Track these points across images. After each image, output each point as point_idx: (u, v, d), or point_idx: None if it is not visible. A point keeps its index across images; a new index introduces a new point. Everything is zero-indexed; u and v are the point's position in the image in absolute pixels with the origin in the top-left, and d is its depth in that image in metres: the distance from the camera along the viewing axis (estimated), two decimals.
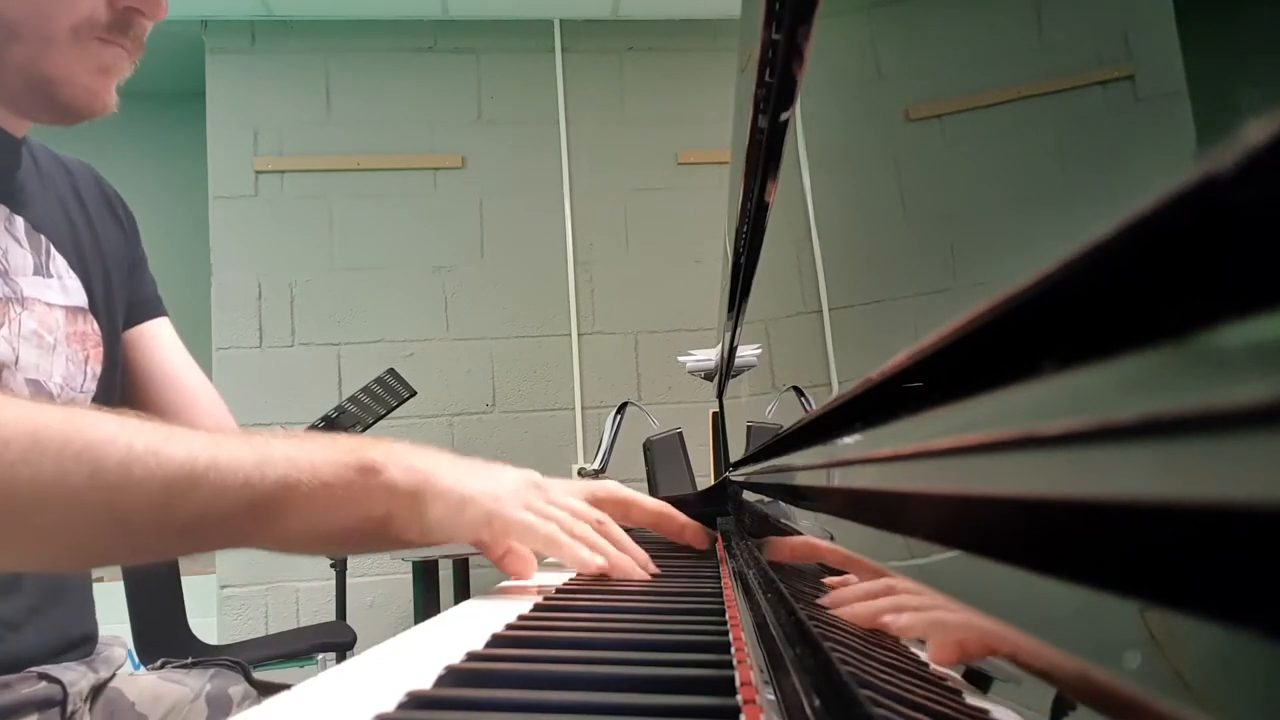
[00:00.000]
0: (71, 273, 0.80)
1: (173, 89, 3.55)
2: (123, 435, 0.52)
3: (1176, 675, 0.12)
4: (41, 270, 0.77)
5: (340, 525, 0.60)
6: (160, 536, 0.56)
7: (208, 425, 0.88)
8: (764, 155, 0.65)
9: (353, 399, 2.63)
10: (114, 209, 0.90)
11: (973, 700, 0.19)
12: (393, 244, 3.27)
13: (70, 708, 0.72)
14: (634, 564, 0.65)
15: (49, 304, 0.77)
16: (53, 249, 0.79)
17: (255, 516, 0.57)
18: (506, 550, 0.68)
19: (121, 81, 0.73)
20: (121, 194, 0.93)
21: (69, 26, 0.68)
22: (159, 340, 0.91)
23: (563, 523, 0.65)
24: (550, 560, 0.72)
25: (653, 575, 0.67)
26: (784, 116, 0.58)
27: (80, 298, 0.81)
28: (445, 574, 2.56)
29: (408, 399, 2.80)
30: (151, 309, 0.92)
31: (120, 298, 0.86)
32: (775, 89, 0.56)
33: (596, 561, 0.63)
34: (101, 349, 0.82)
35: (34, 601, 0.74)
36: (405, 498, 0.61)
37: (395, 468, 0.61)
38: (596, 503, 0.71)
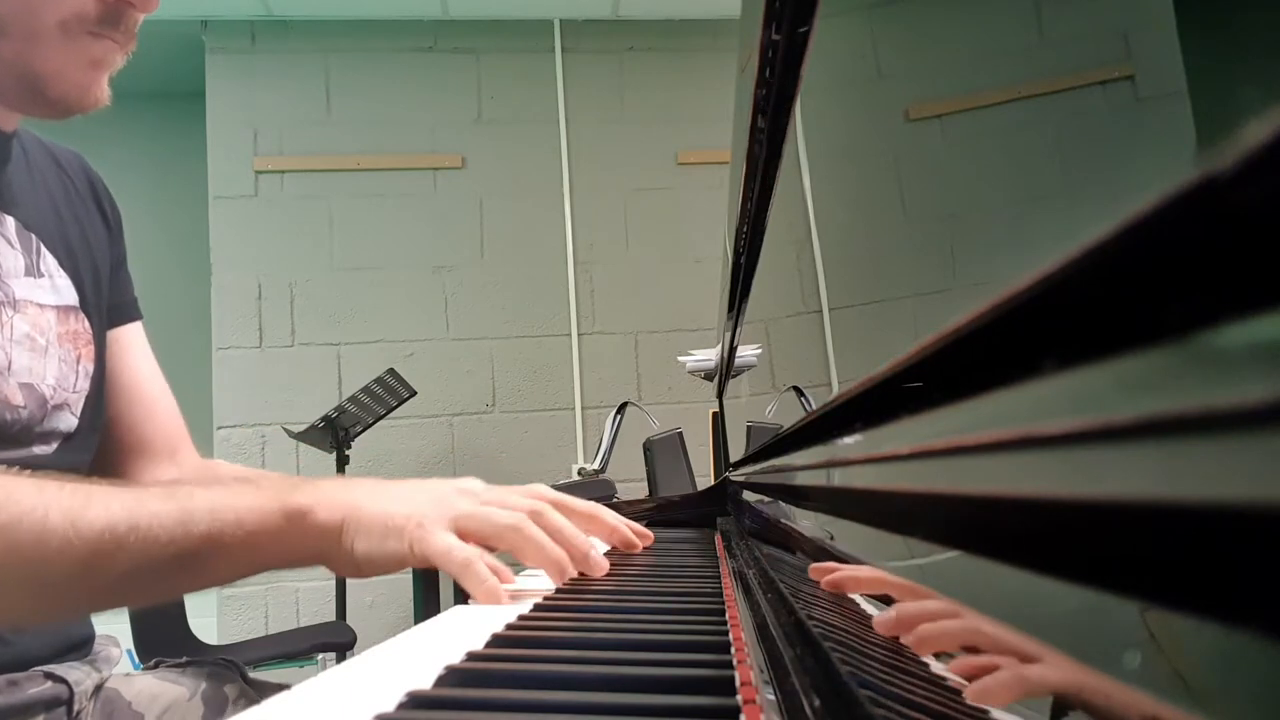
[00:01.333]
0: (61, 271, 0.80)
1: (173, 89, 3.55)
2: (39, 508, 0.53)
3: (1176, 675, 0.12)
4: (32, 270, 0.77)
5: (272, 566, 0.61)
6: (86, 598, 0.57)
7: (161, 438, 0.90)
8: (764, 155, 0.65)
9: (353, 399, 2.63)
10: (100, 203, 0.89)
11: (973, 700, 0.19)
12: (393, 244, 3.27)
13: (76, 706, 0.72)
14: (565, 561, 0.63)
15: (40, 305, 0.77)
16: (43, 248, 0.78)
17: (183, 570, 0.57)
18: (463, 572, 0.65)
19: (113, 74, 0.72)
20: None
21: (57, 21, 0.67)
22: (131, 348, 0.90)
23: (490, 530, 0.62)
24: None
25: (606, 572, 0.64)
26: (784, 117, 0.58)
27: (71, 296, 0.80)
28: (445, 574, 2.55)
29: (408, 399, 2.80)
30: (128, 312, 0.91)
31: (105, 295, 0.86)
32: (775, 89, 0.56)
33: (498, 593, 0.59)
34: (93, 347, 0.82)
35: None
36: (332, 535, 0.61)
37: (322, 508, 0.61)
38: None
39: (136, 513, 0.55)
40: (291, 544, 0.61)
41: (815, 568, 0.38)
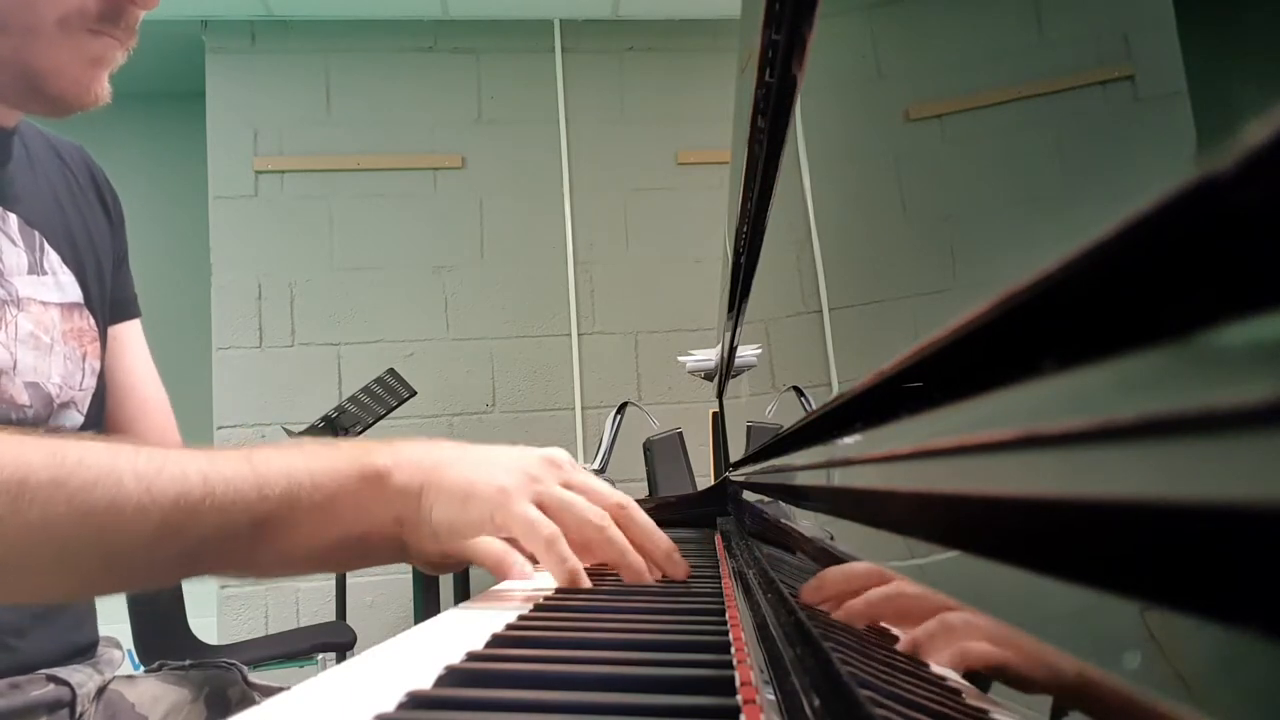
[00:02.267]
0: (65, 268, 0.79)
1: (173, 89, 3.55)
2: (113, 472, 0.51)
3: (1176, 675, 0.12)
4: (36, 268, 0.76)
5: (348, 535, 0.58)
6: (157, 568, 0.55)
7: (151, 439, 0.87)
8: (764, 155, 0.65)
9: (353, 399, 2.63)
10: (103, 197, 0.88)
11: (973, 700, 0.19)
12: (393, 244, 3.27)
13: (79, 709, 0.72)
14: (643, 567, 0.60)
15: (44, 303, 0.76)
16: (46, 244, 0.78)
17: (257, 539, 0.55)
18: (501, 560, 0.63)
19: (114, 70, 0.71)
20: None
21: (56, 18, 0.66)
22: (129, 345, 0.89)
23: (572, 520, 0.59)
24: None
25: (670, 578, 0.62)
26: (784, 117, 0.58)
27: (75, 293, 0.79)
28: (445, 574, 2.55)
29: (408, 399, 2.80)
30: (128, 310, 0.90)
31: (108, 291, 0.85)
32: (775, 89, 0.56)
33: (580, 576, 0.57)
34: (98, 344, 0.81)
35: (37, 608, 0.74)
36: (412, 499, 0.58)
37: (401, 471, 0.58)
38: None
39: (212, 477, 0.53)
40: (369, 508, 0.57)
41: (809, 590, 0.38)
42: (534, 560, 0.62)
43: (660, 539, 0.63)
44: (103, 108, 0.71)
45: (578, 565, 0.57)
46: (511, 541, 0.61)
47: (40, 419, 0.74)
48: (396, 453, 0.59)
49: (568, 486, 0.62)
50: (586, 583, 0.57)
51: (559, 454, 0.65)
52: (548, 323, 3.34)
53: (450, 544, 0.60)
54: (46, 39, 0.66)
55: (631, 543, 0.63)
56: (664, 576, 0.62)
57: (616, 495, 0.64)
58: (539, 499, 0.60)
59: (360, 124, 3.30)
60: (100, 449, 0.52)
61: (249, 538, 0.55)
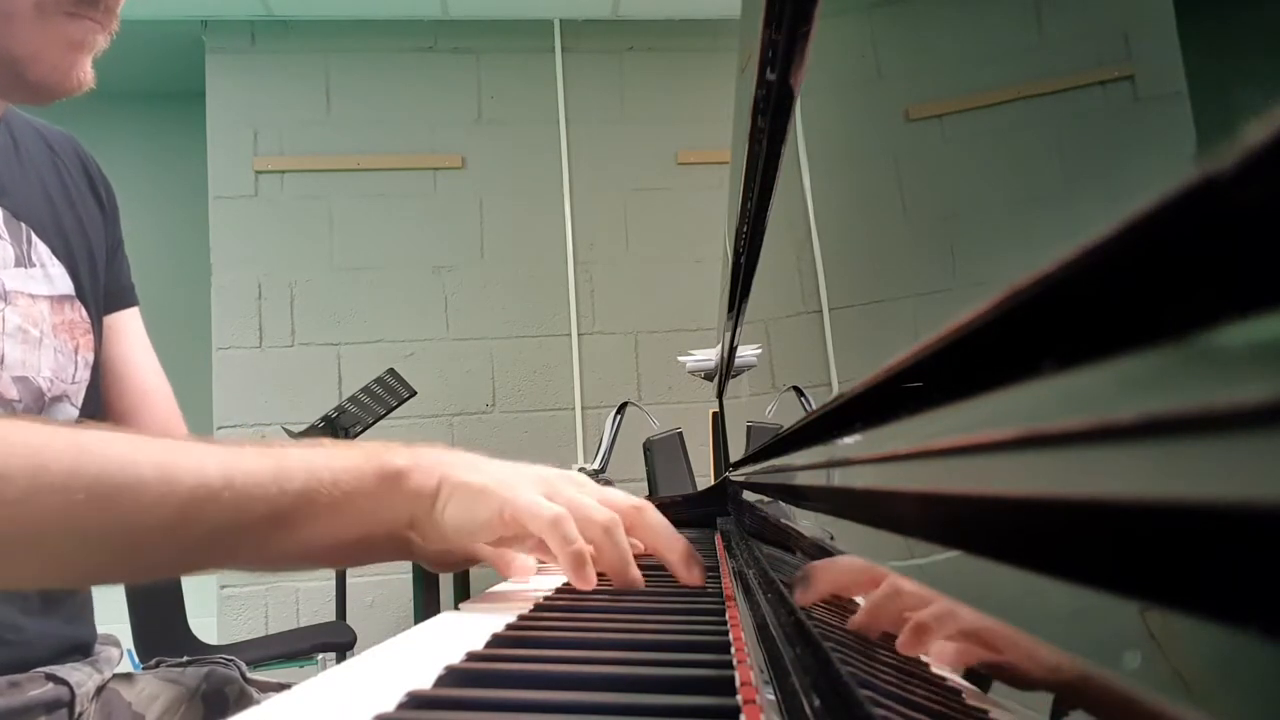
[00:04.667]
0: (55, 260, 0.78)
1: (173, 89, 3.55)
2: (133, 461, 0.50)
3: (1176, 675, 0.12)
4: (23, 261, 0.75)
5: (362, 534, 0.58)
6: (173, 557, 0.55)
7: (154, 428, 0.87)
8: (764, 155, 0.65)
9: (353, 399, 2.63)
10: (95, 187, 0.87)
11: (972, 700, 0.19)
12: (393, 244, 3.27)
13: (78, 708, 0.72)
14: (640, 582, 0.61)
15: (32, 296, 0.75)
16: (34, 236, 0.76)
17: (273, 531, 0.55)
18: (510, 558, 0.63)
19: (97, 55, 0.69)
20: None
21: (33, 2, 0.64)
22: (126, 334, 0.88)
23: (579, 517, 0.59)
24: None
25: (685, 584, 0.62)
26: (784, 117, 0.58)
27: (66, 285, 0.78)
28: (446, 573, 2.55)
29: (408, 399, 2.80)
30: (125, 298, 0.89)
31: (102, 281, 0.84)
32: (775, 89, 0.56)
33: (584, 559, 0.57)
34: (91, 336, 0.80)
35: (35, 603, 0.74)
36: (426, 499, 0.59)
37: (419, 471, 0.59)
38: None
39: (231, 468, 0.53)
40: (386, 507, 0.58)
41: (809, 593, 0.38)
42: (542, 560, 0.62)
43: (676, 542, 0.63)
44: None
45: (584, 548, 0.57)
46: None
47: (32, 413, 0.73)
48: (415, 455, 0.60)
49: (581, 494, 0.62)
50: (593, 570, 0.57)
51: (578, 475, 0.65)
52: (548, 323, 3.34)
53: (459, 543, 0.60)
54: (24, 24, 0.65)
55: (647, 545, 0.63)
56: (680, 583, 0.62)
57: (633, 500, 0.63)
58: (550, 497, 0.60)
59: (360, 124, 3.30)
60: (120, 439, 0.52)
61: (265, 530, 0.55)
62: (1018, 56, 0.20)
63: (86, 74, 0.69)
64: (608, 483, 2.28)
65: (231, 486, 0.53)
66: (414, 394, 2.80)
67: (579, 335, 3.35)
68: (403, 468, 0.58)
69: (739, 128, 0.69)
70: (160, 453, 0.52)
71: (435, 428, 3.21)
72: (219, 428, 3.12)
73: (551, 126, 3.41)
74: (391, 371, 2.69)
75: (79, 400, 0.78)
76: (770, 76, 0.55)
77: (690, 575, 0.63)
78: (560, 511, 0.58)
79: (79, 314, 0.79)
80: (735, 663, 0.35)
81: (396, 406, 2.80)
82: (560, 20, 3.44)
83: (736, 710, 0.30)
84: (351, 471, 0.57)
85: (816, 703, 0.29)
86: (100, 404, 0.82)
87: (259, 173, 3.24)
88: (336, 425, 2.64)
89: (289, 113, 3.27)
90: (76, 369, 0.78)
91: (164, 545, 0.53)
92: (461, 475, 0.59)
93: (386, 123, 3.31)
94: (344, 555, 0.62)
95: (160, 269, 3.40)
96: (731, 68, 0.69)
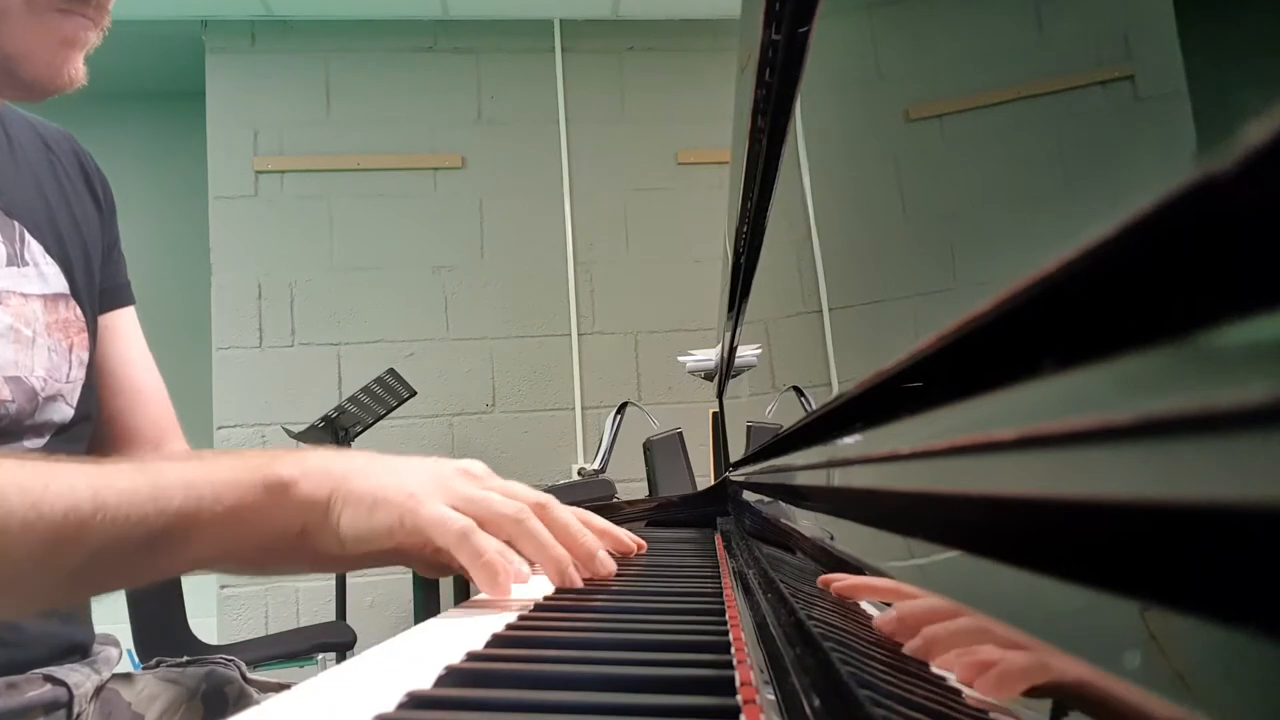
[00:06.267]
0: (49, 258, 0.77)
1: (173, 89, 3.55)
2: None
3: (1176, 675, 0.12)
4: (16, 259, 0.74)
5: (252, 545, 0.57)
6: (51, 586, 0.54)
7: (146, 430, 0.86)
8: (764, 155, 0.65)
9: (353, 399, 2.63)
10: (91, 184, 0.86)
11: (972, 700, 0.19)
12: (393, 244, 3.27)
13: (76, 709, 0.72)
14: (566, 561, 0.58)
15: (25, 295, 0.74)
16: (27, 235, 0.76)
17: (154, 552, 0.54)
18: (448, 556, 0.59)
19: (89, 52, 0.69)
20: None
21: None
22: (121, 333, 0.87)
23: (486, 515, 0.57)
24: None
25: (606, 575, 0.60)
26: (784, 117, 0.58)
27: (60, 284, 0.78)
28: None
29: (408, 399, 2.80)
30: (120, 297, 0.88)
31: (97, 280, 0.83)
32: (775, 89, 0.56)
33: (499, 569, 0.54)
34: (86, 334, 0.80)
35: None
36: (319, 508, 0.57)
37: (307, 480, 0.57)
38: None
39: (103, 491, 0.52)
40: (274, 519, 0.56)
41: (825, 579, 0.38)
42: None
43: (584, 538, 0.60)
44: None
45: (497, 557, 0.55)
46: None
47: (24, 413, 0.73)
48: (303, 462, 0.58)
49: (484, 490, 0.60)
50: (510, 578, 0.55)
51: (475, 464, 0.63)
52: (548, 323, 3.34)
53: (356, 551, 0.58)
54: (15, 20, 0.64)
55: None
56: (589, 577, 0.60)
57: (537, 494, 0.61)
58: (451, 501, 0.58)
59: (360, 124, 3.30)
60: None
61: (145, 551, 0.54)
62: (1018, 56, 0.20)
63: (78, 71, 0.68)
64: (608, 483, 2.27)
65: (104, 509, 0.51)
66: (414, 394, 2.80)
67: (579, 335, 3.35)
68: (289, 477, 0.57)
69: (739, 128, 0.69)
70: (26, 478, 0.51)
71: (435, 428, 3.21)
72: (219, 428, 3.12)
73: (551, 126, 3.41)
74: (391, 371, 2.69)
75: (74, 400, 0.78)
76: (770, 77, 0.55)
77: (599, 569, 0.60)
78: (466, 524, 0.56)
79: (73, 313, 0.79)
80: (735, 663, 0.35)
81: (396, 406, 2.80)
82: (560, 20, 3.44)
83: (736, 710, 0.30)
84: (233, 485, 0.56)
85: (816, 703, 0.29)
86: (95, 404, 0.82)
87: (259, 173, 3.24)
88: (336, 425, 2.64)
89: (289, 113, 3.27)
90: (71, 368, 0.78)
91: (37, 576, 0.52)
92: (355, 483, 0.58)
93: (386, 123, 3.31)
94: (247, 565, 0.62)
95: (160, 269, 3.40)
96: (731, 68, 0.69)
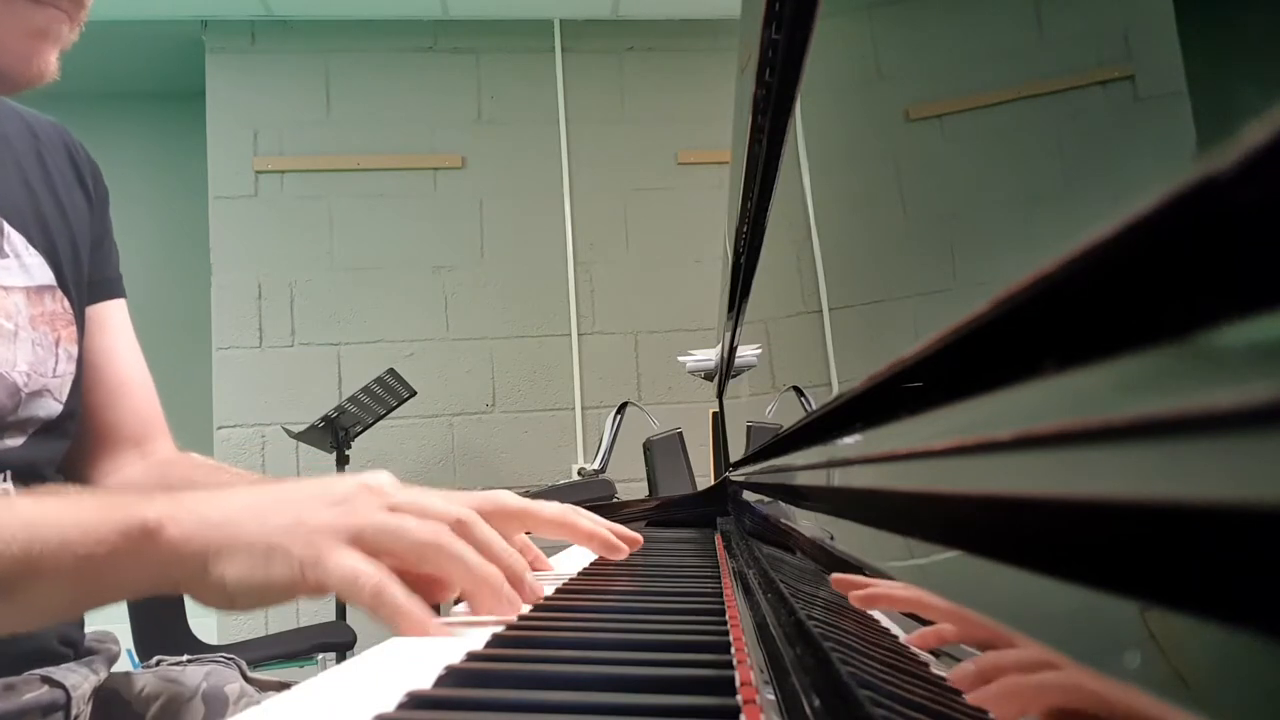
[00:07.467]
0: (32, 249, 0.75)
1: (173, 89, 3.55)
2: None
3: (1176, 675, 0.12)
4: None
5: (114, 596, 0.51)
6: None
7: (129, 427, 0.83)
8: (764, 155, 0.65)
9: (353, 399, 2.63)
10: (82, 175, 0.84)
11: (973, 700, 0.19)
12: (393, 244, 3.27)
13: (74, 710, 0.72)
14: (499, 581, 0.51)
15: (6, 288, 0.72)
16: (7, 226, 0.74)
17: None
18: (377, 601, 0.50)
19: (65, 47, 0.67)
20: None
21: None
22: (109, 325, 0.84)
23: (403, 547, 0.50)
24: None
25: (533, 600, 0.53)
26: (784, 117, 0.58)
27: (44, 275, 0.76)
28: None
29: (408, 399, 2.80)
30: (110, 289, 0.85)
31: (85, 272, 0.81)
32: (775, 89, 0.56)
33: (425, 623, 0.47)
34: (74, 328, 0.78)
35: None
36: (193, 562, 0.49)
37: (178, 526, 0.50)
38: (484, 517, 0.54)
39: None
40: (132, 572, 0.49)
41: (838, 579, 0.38)
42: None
43: (509, 558, 0.53)
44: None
45: (417, 610, 0.47)
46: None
47: (5, 410, 0.71)
48: (176, 505, 0.51)
49: (394, 510, 0.51)
50: (435, 631, 0.47)
51: (379, 478, 0.54)
52: (548, 323, 3.34)
53: (248, 605, 0.50)
54: None
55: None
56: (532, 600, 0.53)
57: (455, 509, 0.53)
58: (358, 536, 0.50)
59: (360, 124, 3.30)
60: None
61: None
62: (1018, 56, 0.20)
63: (49, 65, 0.66)
64: (608, 483, 2.27)
65: None
66: (414, 394, 2.80)
67: (579, 335, 3.35)
68: (153, 524, 0.49)
69: (739, 128, 0.69)
70: None
71: (435, 428, 3.21)
72: (219, 428, 3.12)
73: (551, 126, 3.41)
74: (391, 371, 2.69)
75: (63, 394, 0.76)
76: (770, 77, 0.55)
77: (524, 594, 0.53)
78: (376, 582, 0.47)
79: (60, 305, 0.77)
80: (735, 663, 0.35)
81: (396, 406, 2.80)
82: (560, 20, 3.44)
83: (736, 710, 0.30)
84: (87, 531, 0.49)
85: (816, 703, 0.29)
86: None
87: (259, 173, 3.24)
88: (336, 425, 2.64)
89: (289, 113, 3.28)
90: (58, 362, 0.76)
91: None
92: (241, 530, 0.50)
93: (386, 123, 3.31)
94: (104, 606, 0.54)
95: (160, 269, 3.41)
96: (731, 68, 0.69)
